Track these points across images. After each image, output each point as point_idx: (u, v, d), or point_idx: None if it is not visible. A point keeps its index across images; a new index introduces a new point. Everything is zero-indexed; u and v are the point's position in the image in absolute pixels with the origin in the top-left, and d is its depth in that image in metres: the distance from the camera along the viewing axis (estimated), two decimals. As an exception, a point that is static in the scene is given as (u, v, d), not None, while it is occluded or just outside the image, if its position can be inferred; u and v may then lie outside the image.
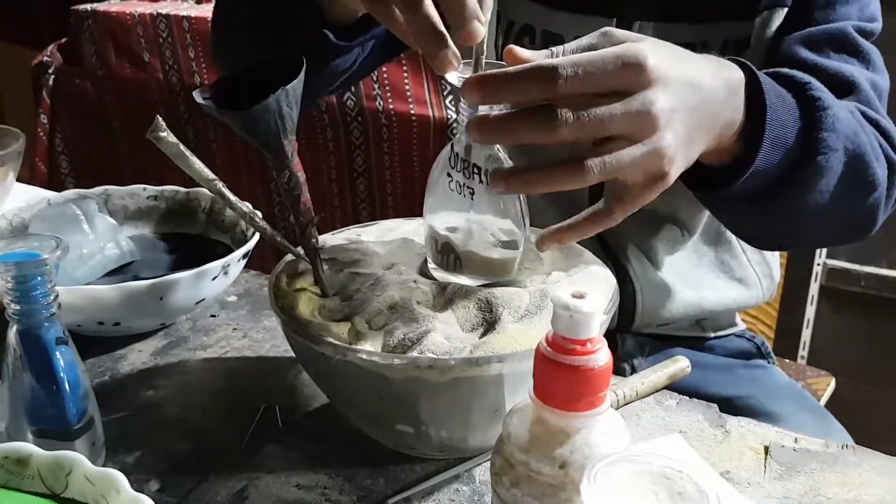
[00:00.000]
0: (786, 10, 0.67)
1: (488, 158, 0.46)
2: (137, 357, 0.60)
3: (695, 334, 0.83)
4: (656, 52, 0.43)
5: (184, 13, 1.51)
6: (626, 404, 0.57)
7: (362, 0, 0.47)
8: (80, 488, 0.38)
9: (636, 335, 0.80)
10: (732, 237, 0.80)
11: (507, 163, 0.47)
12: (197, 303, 0.61)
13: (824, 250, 1.73)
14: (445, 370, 0.42)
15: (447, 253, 0.48)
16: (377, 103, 1.40)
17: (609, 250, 0.77)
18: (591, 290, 0.34)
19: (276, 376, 0.59)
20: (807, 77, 0.56)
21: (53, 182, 1.77)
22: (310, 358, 0.47)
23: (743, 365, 0.84)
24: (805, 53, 0.65)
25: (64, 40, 1.72)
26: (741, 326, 0.88)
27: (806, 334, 1.81)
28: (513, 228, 0.48)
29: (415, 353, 0.43)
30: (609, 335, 0.81)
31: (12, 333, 0.45)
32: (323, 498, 0.47)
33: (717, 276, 0.80)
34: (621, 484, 0.29)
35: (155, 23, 1.53)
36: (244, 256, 0.63)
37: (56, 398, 0.45)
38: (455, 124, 1.34)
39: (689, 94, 0.45)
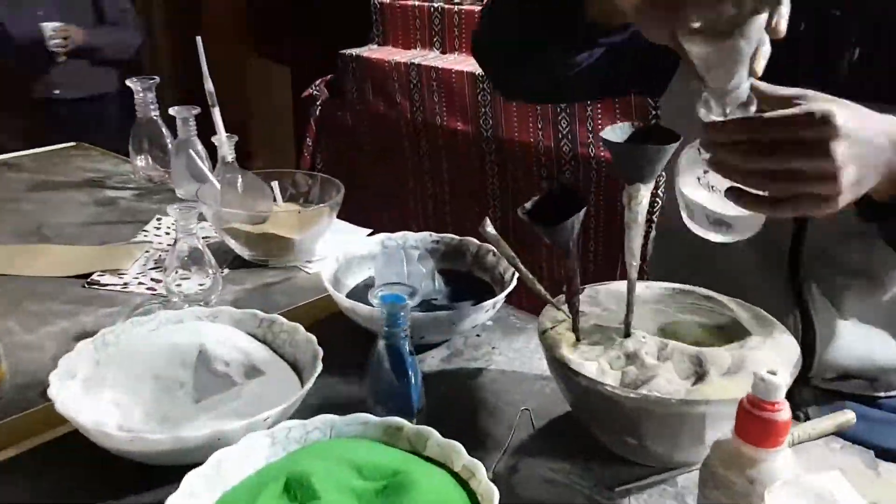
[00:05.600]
0: None
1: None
2: (432, 361, 0.85)
3: (867, 393, 0.92)
4: (841, 113, 0.59)
5: (432, 64, 1.79)
6: (799, 443, 0.73)
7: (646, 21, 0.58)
8: (434, 450, 0.62)
9: (813, 388, 0.91)
10: None
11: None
12: (473, 326, 0.86)
13: None
14: (668, 406, 0.62)
15: (719, 225, 0.69)
16: (589, 150, 1.60)
17: (798, 295, 0.88)
18: (780, 364, 0.52)
19: (527, 386, 0.81)
20: None
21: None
22: (568, 383, 0.69)
23: None
24: None
25: (329, 77, 2.07)
26: None
27: None
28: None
29: (644, 391, 0.63)
30: (789, 391, 0.93)
31: (381, 345, 0.70)
32: (569, 479, 0.68)
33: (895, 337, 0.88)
34: (790, 498, 0.47)
35: (408, 70, 1.83)
36: (505, 297, 0.86)
37: (406, 390, 0.70)
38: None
39: (864, 146, 0.60)
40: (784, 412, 0.51)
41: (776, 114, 0.59)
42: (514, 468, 0.69)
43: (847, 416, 0.77)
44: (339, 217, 1.08)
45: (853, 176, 0.60)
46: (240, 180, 1.07)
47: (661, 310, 0.77)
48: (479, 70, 1.72)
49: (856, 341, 0.88)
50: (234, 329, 0.78)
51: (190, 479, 0.56)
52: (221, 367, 0.73)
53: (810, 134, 0.58)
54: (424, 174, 1.86)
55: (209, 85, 1.13)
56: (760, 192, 0.62)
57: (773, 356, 0.66)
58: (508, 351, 0.88)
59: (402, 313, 0.69)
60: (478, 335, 0.91)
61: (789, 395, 0.91)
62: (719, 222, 0.69)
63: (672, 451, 0.67)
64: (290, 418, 0.64)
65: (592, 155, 1.57)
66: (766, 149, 0.59)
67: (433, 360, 0.86)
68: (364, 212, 1.15)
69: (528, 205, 0.63)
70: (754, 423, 0.52)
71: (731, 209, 0.65)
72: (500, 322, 0.94)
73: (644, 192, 0.62)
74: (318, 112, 2.03)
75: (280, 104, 2.70)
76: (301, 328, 0.77)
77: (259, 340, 0.79)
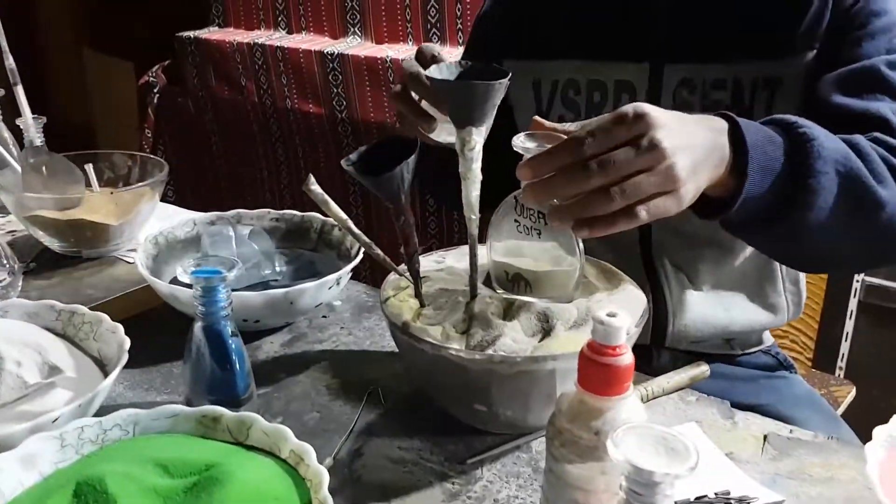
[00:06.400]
0: (815, 51, 0.76)
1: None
2: (270, 347, 0.78)
3: (724, 352, 0.93)
4: (653, 107, 0.55)
5: (277, 43, 1.69)
6: (654, 398, 0.71)
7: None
8: (258, 438, 0.55)
9: (670, 350, 0.91)
10: (776, 267, 0.89)
11: None
12: (316, 306, 0.78)
13: (864, 267, 1.81)
14: (513, 365, 0.58)
15: (518, 281, 0.63)
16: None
17: (651, 269, 0.88)
18: (623, 310, 0.48)
19: (377, 365, 0.75)
20: (793, 117, 0.64)
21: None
22: (410, 352, 0.63)
23: (765, 376, 0.93)
24: (838, 98, 0.73)
25: (167, 62, 1.93)
26: (768, 343, 0.97)
27: (844, 347, 1.89)
28: (572, 259, 0.63)
29: (490, 352, 0.59)
30: (646, 349, 0.91)
31: (197, 328, 0.62)
32: (418, 457, 0.63)
33: (751, 301, 0.89)
34: (633, 443, 0.43)
35: (251, 51, 1.72)
36: (351, 270, 0.79)
37: (229, 376, 0.62)
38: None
39: (686, 135, 0.55)
40: (626, 356, 0.48)
41: (589, 123, 0.55)
42: (358, 451, 0.63)
43: (701, 369, 0.76)
44: (185, 209, 0.98)
45: (688, 163, 0.55)
46: (45, 163, 0.94)
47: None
48: (327, 48, 1.64)
49: (711, 309, 0.88)
50: (26, 324, 0.67)
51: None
52: (11, 367, 0.62)
53: (630, 133, 0.54)
54: (279, 162, 1.76)
55: (9, 61, 0.99)
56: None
57: (620, 307, 0.63)
58: (358, 330, 0.82)
59: (220, 287, 0.61)
60: (324, 316, 0.84)
61: (647, 360, 0.92)
62: (532, 283, 0.63)
63: (524, 414, 0.63)
64: (90, 418, 0.55)
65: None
66: (595, 165, 0.54)
67: (271, 346, 0.78)
68: (216, 204, 1.05)
69: (353, 156, 0.57)
70: (596, 370, 0.48)
71: (543, 263, 0.62)
72: (350, 301, 0.88)
73: (476, 137, 0.58)
74: (156, 100, 1.89)
75: (123, 97, 2.51)
76: (106, 318, 0.67)
77: (59, 335, 0.68)
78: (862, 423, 0.92)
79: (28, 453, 0.51)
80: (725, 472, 0.61)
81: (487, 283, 0.68)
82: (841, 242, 0.69)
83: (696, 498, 0.56)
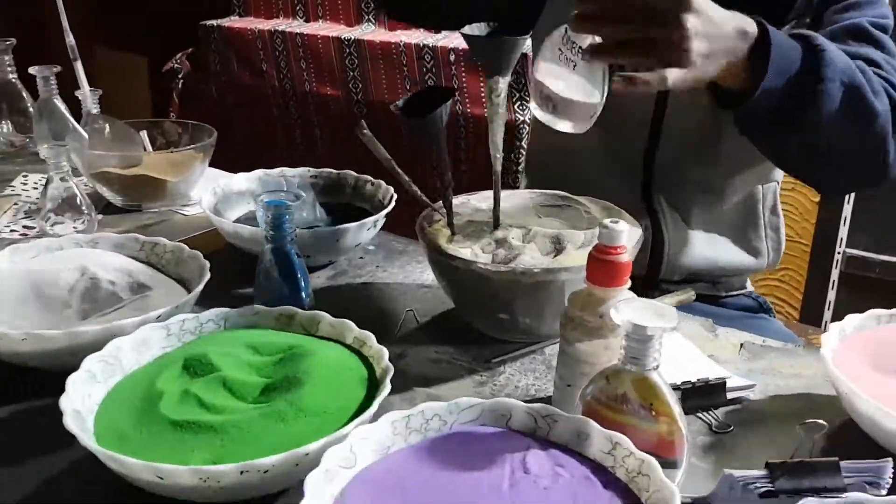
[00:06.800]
0: (809, 19, 0.86)
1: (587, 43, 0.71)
2: (317, 281, 0.90)
3: (711, 293, 1.05)
4: None
5: (297, 30, 1.81)
6: (648, 317, 0.83)
7: None
8: (326, 330, 0.67)
9: (663, 290, 1.02)
10: (760, 215, 1.01)
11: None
12: (356, 245, 0.90)
13: (844, 240, 1.93)
14: (532, 276, 0.70)
15: (548, 102, 0.73)
16: (457, 107, 1.68)
17: (651, 208, 0.99)
18: (622, 224, 0.60)
19: (411, 293, 0.87)
20: (811, 32, 0.74)
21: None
22: (445, 270, 0.75)
23: (747, 316, 1.05)
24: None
25: (190, 50, 2.04)
26: (750, 288, 1.09)
27: (828, 315, 2.01)
28: (596, 95, 0.72)
29: (512, 265, 0.71)
30: (641, 291, 1.03)
31: (268, 250, 0.74)
32: (451, 357, 0.75)
33: (736, 243, 1.01)
34: (630, 311, 0.55)
35: (272, 38, 1.84)
36: (385, 215, 0.92)
37: (296, 291, 0.74)
38: (522, 125, 1.61)
39: (713, 25, 0.66)
40: (625, 255, 0.60)
41: None
42: (401, 354, 0.75)
43: (688, 294, 0.88)
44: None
45: (703, 48, 0.66)
46: (107, 128, 1.06)
47: (527, 216, 0.85)
48: (344, 34, 1.77)
49: (701, 246, 1.00)
50: (115, 253, 0.79)
51: (88, 363, 0.58)
52: (106, 285, 0.74)
53: (664, 4, 0.65)
54: (297, 143, 1.88)
55: (70, 38, 1.11)
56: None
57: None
58: (392, 268, 0.94)
59: (287, 216, 0.73)
60: (361, 257, 0.96)
61: (640, 295, 1.03)
62: (558, 106, 0.74)
63: (539, 323, 0.75)
64: (184, 318, 0.67)
65: (460, 112, 1.66)
66: (625, 16, 0.64)
67: (318, 280, 0.90)
68: None
69: (399, 102, 0.69)
70: (601, 266, 0.60)
71: (573, 92, 0.73)
72: (383, 246, 1.00)
73: (502, 85, 0.70)
74: (180, 86, 2.00)
75: (136, 95, 2.61)
76: (185, 247, 0.79)
77: (143, 263, 0.80)
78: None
79: (140, 338, 0.63)
80: (706, 366, 0.73)
81: (520, 217, 0.79)
82: (842, 147, 0.78)
83: (682, 382, 0.69)
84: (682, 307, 0.84)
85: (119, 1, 2.72)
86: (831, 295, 2.00)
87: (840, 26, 0.84)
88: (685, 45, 0.66)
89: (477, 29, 0.70)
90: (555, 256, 0.73)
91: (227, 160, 1.11)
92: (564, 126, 0.73)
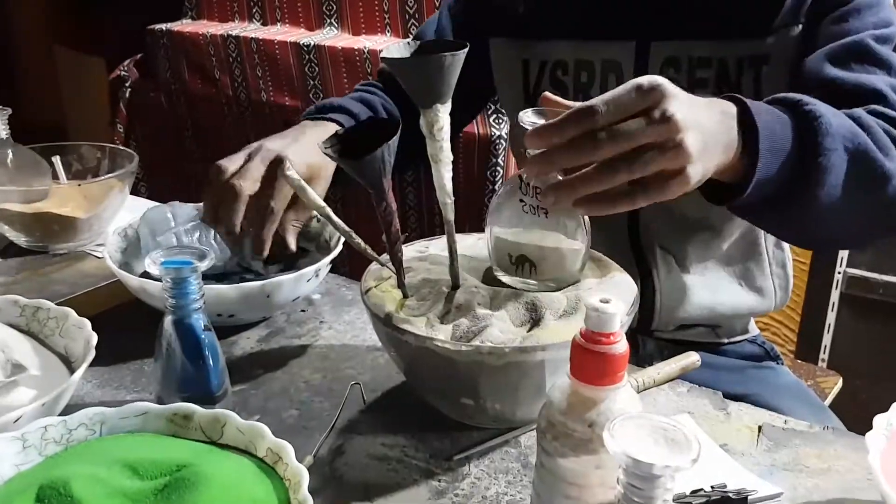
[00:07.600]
0: (800, 26, 0.75)
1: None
2: (246, 343, 0.74)
3: (710, 340, 0.92)
4: (667, 81, 0.52)
5: (252, 35, 1.65)
6: (644, 390, 0.69)
7: None
8: (233, 437, 0.52)
9: (657, 339, 0.90)
10: (763, 249, 0.88)
11: None
12: (294, 300, 0.75)
13: (845, 259, 1.81)
14: (501, 356, 0.55)
15: (522, 263, 0.61)
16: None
17: (639, 252, 0.86)
18: (614, 297, 0.46)
19: (358, 360, 0.72)
20: (797, 95, 0.63)
21: (129, 185, 1.92)
22: (395, 344, 0.60)
23: (753, 366, 0.92)
24: (830, 70, 0.72)
25: (139, 56, 1.88)
26: (753, 333, 0.96)
27: (827, 338, 1.89)
28: (579, 237, 0.60)
29: (477, 343, 0.56)
30: (632, 338, 0.90)
31: (167, 322, 0.59)
32: (402, 454, 0.60)
33: (738, 284, 0.89)
34: (631, 434, 0.41)
35: (225, 43, 1.68)
36: (331, 262, 0.77)
37: (202, 372, 0.59)
38: (499, 140, 1.46)
39: (699, 112, 0.54)
40: (621, 344, 0.46)
41: (604, 97, 0.52)
42: (339, 449, 0.60)
43: (692, 359, 0.74)
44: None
45: (699, 140, 0.53)
46: (10, 155, 0.90)
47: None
48: (303, 39, 1.61)
49: (697, 293, 0.87)
50: (-13, 321, 0.64)
51: None
52: (-31, 367, 0.58)
53: (644, 103, 0.52)
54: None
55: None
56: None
57: (611, 294, 0.61)
58: (338, 324, 0.79)
59: (191, 279, 0.57)
60: (303, 310, 0.81)
61: (633, 349, 0.90)
62: (522, 259, 0.60)
63: (513, 408, 0.60)
64: (53, 418, 0.52)
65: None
66: (605, 135, 0.51)
67: (247, 342, 0.75)
68: (190, 200, 1.00)
69: (331, 139, 0.54)
70: (589, 359, 0.46)
71: (537, 238, 0.59)
72: (330, 295, 0.85)
73: (443, 115, 0.55)
74: (127, 94, 1.84)
75: (94, 95, 2.45)
76: (72, 313, 0.64)
77: (23, 332, 0.64)
78: (847, 413, 0.91)
79: (-14, 456, 0.48)
80: (721, 464, 0.59)
81: (488, 272, 0.65)
82: (851, 217, 0.68)
83: (692, 491, 0.54)
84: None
85: (78, 2, 2.56)
86: (831, 317, 1.89)
87: (841, 45, 0.72)
88: (681, 143, 0.51)
89: (403, 48, 0.54)
90: (530, 329, 0.58)
91: (179, 179, 0.96)
92: (534, 284, 0.61)
